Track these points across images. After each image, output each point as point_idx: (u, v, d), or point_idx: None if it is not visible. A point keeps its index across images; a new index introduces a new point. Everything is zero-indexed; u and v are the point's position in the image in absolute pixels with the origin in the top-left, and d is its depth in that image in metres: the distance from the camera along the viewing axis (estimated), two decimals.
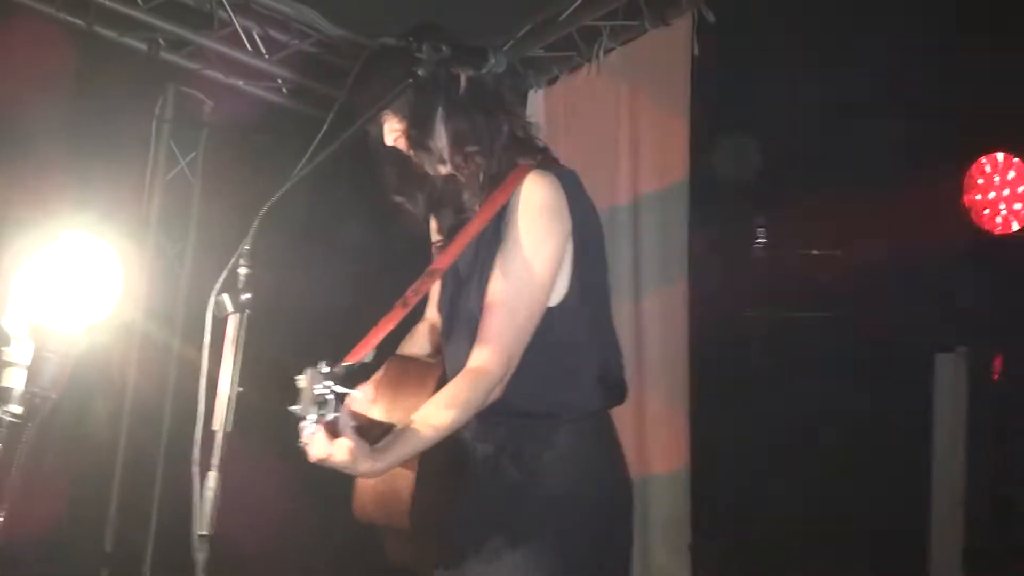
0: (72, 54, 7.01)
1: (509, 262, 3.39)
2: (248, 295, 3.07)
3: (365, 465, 3.09)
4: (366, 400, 3.24)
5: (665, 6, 6.98)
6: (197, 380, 3.04)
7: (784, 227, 6.27)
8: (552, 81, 7.59)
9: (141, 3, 7.08)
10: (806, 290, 6.07)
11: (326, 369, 3.00)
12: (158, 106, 7.68)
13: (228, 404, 3.05)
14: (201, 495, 3.02)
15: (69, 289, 3.32)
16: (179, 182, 7.64)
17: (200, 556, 2.99)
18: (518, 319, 3.36)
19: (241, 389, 3.05)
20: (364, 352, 3.23)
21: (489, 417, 3.41)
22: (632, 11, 7.07)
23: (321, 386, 2.99)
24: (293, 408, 3.07)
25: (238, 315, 3.07)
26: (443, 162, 3.54)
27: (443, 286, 3.65)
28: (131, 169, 7.23)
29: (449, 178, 3.58)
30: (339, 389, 3.01)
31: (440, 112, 3.51)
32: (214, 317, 3.08)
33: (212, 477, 2.99)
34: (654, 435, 6.50)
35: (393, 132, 3.56)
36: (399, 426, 3.24)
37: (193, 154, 7.74)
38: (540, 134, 3.68)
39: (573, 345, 3.51)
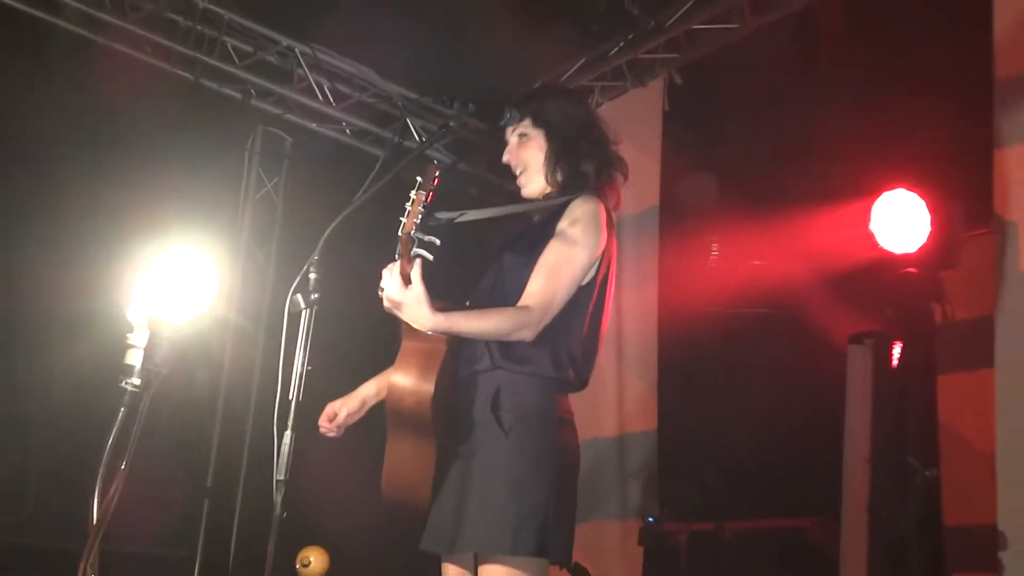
0: (183, 100, 7.02)
1: (561, 248, 3.35)
2: (316, 295, 3.08)
3: (424, 312, 3.03)
4: None
5: (643, 71, 7.00)
6: (277, 360, 3.06)
7: (731, 243, 6.24)
8: None
9: (237, 61, 7.10)
10: (749, 292, 6.04)
11: (424, 211, 3.00)
12: (249, 142, 7.66)
13: (300, 379, 3.06)
14: (279, 448, 3.04)
15: (176, 289, 3.36)
16: (265, 202, 7.62)
17: (278, 496, 3.00)
18: (560, 286, 3.30)
19: (310, 368, 3.06)
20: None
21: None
22: (617, 75, 7.12)
23: (418, 228, 2.99)
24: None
25: (308, 310, 3.08)
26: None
27: (485, 273, 3.59)
28: (228, 191, 7.22)
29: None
30: (427, 238, 3.00)
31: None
32: (290, 312, 3.09)
33: (287, 435, 3.00)
34: (630, 403, 6.51)
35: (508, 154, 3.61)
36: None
37: (276, 179, 7.72)
38: None
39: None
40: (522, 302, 3.26)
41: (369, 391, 3.66)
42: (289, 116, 7.51)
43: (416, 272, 3.01)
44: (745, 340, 5.91)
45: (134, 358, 3.16)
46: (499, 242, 3.56)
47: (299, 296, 3.08)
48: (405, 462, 3.31)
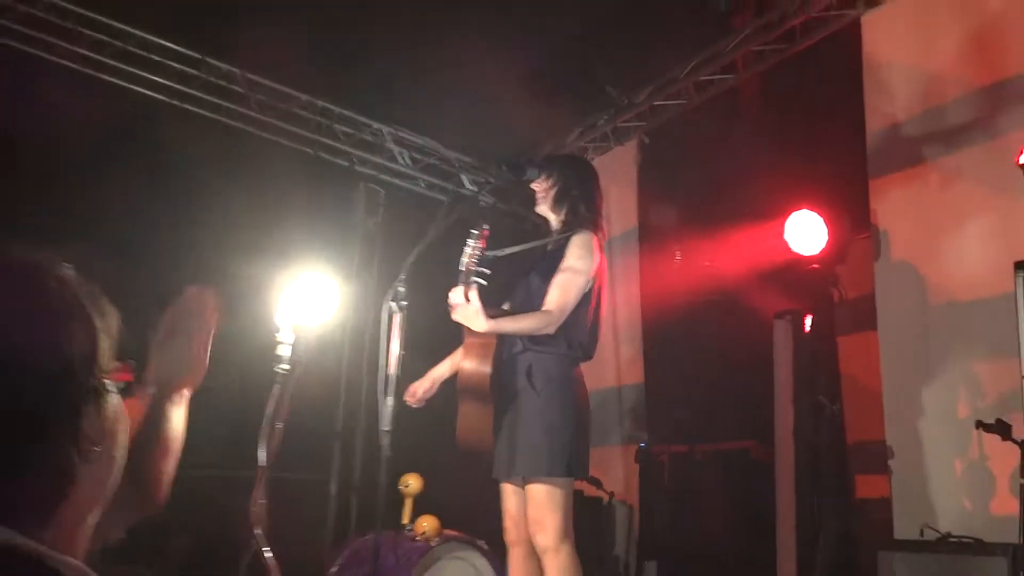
0: (307, 169, 7.05)
1: (570, 268, 3.40)
2: (404, 302, 3.08)
3: (480, 320, 3.14)
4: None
5: (621, 135, 6.99)
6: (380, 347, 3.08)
7: (690, 251, 6.20)
8: None
9: (342, 137, 7.13)
10: (703, 285, 6.01)
11: (479, 253, 3.07)
12: (355, 195, 7.66)
13: (397, 360, 3.07)
14: (382, 409, 3.04)
15: (309, 303, 3.36)
16: (368, 238, 7.62)
17: (384, 440, 3.01)
18: (570, 296, 3.35)
19: (403, 352, 3.07)
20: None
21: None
22: (604, 138, 7.11)
23: (475, 264, 3.06)
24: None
25: (399, 314, 3.08)
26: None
27: (517, 287, 3.62)
28: (341, 232, 7.23)
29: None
30: (481, 270, 3.07)
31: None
32: (387, 315, 3.10)
33: (389, 399, 3.01)
34: (624, 364, 6.50)
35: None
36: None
37: (375, 221, 7.72)
38: None
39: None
40: (544, 308, 3.33)
41: (439, 372, 3.69)
42: (382, 176, 7.50)
43: (473, 293, 3.09)
44: (702, 318, 5.90)
45: (283, 351, 3.17)
46: (526, 264, 3.60)
47: (393, 303, 3.10)
48: (473, 420, 3.36)
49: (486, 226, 3.09)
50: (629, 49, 6.45)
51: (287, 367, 3.11)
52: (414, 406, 3.63)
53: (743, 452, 5.51)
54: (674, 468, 5.86)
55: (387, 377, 2.98)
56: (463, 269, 3.10)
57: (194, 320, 1.84)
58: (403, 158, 7.46)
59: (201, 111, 6.56)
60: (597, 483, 5.69)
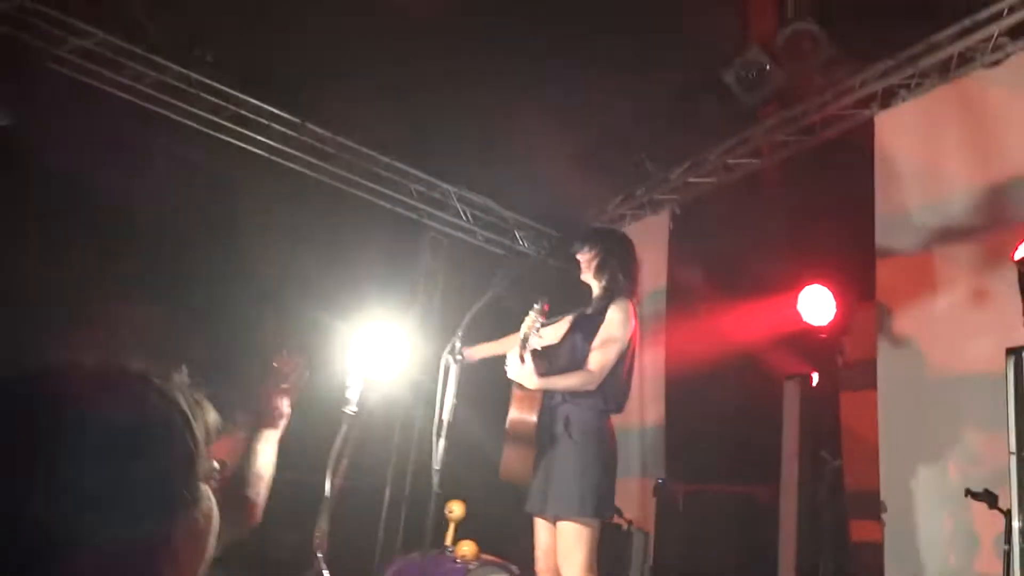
0: (380, 222, 7.09)
1: (610, 335, 3.37)
2: (460, 356, 3.05)
3: (533, 379, 3.13)
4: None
5: (656, 205, 6.94)
6: (436, 395, 3.04)
7: (713, 312, 6.10)
8: None
9: (415, 194, 7.17)
10: (723, 341, 5.89)
11: (538, 324, 3.05)
12: (422, 243, 7.70)
13: (451, 407, 3.03)
14: (435, 449, 3.01)
15: (376, 350, 3.31)
16: (432, 281, 7.63)
17: (435, 478, 2.96)
18: (609, 360, 3.31)
19: (455, 401, 3.03)
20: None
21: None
22: (641, 207, 7.05)
23: (534, 331, 3.05)
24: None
25: (456, 365, 3.05)
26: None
27: (563, 344, 3.58)
28: (407, 276, 7.26)
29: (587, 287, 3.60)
30: (537, 336, 3.07)
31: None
32: (443, 366, 3.08)
33: (441, 442, 2.97)
34: (648, 409, 6.39)
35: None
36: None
37: (438, 265, 7.74)
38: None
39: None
40: (587, 368, 3.29)
41: (486, 351, 3.57)
42: (445, 229, 7.52)
43: (528, 355, 3.07)
44: (720, 373, 5.75)
45: (351, 394, 3.14)
46: (570, 326, 3.56)
47: (450, 356, 3.07)
48: (516, 459, 3.33)
49: (545, 301, 3.09)
50: (667, 132, 6.45)
51: (355, 410, 3.06)
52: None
53: (750, 496, 5.36)
54: (688, 504, 5.72)
55: (440, 422, 2.94)
56: (523, 337, 3.11)
57: (282, 379, 1.92)
58: (465, 215, 7.47)
59: (299, 168, 6.64)
60: (618, 511, 5.58)
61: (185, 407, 0.99)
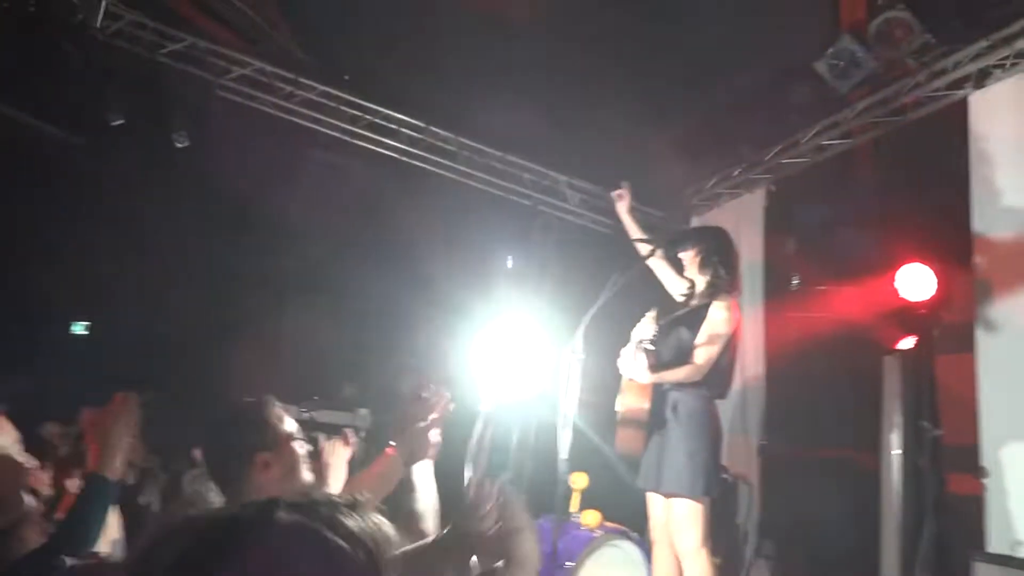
0: (504, 212, 7.09)
1: (715, 331, 3.30)
2: (582, 356, 3.04)
3: (646, 374, 3.12)
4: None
5: (752, 184, 6.66)
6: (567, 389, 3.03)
7: (808, 283, 5.82)
8: (701, 214, 7.27)
9: (528, 183, 7.14)
10: (820, 309, 5.60)
11: (652, 327, 3.04)
12: (535, 225, 7.63)
13: (577, 399, 3.03)
14: (560, 440, 3.01)
15: (502, 348, 3.17)
16: (543, 260, 7.57)
17: (562, 468, 2.97)
18: (714, 353, 3.26)
19: (581, 396, 3.02)
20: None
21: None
22: (737, 186, 6.79)
23: (650, 330, 3.04)
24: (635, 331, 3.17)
25: (577, 364, 3.04)
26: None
27: (669, 333, 3.51)
28: (522, 265, 7.19)
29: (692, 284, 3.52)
30: (651, 337, 3.05)
31: None
32: (566, 364, 3.06)
33: (568, 432, 2.98)
34: (749, 370, 6.20)
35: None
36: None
37: (549, 244, 7.66)
38: None
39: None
40: (693, 360, 3.23)
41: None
42: (556, 213, 7.46)
43: (641, 354, 3.05)
44: (818, 344, 5.46)
45: (484, 392, 3.09)
46: (676, 320, 3.49)
47: (571, 354, 3.06)
48: (630, 439, 3.33)
49: (656, 309, 3.06)
50: (761, 117, 6.17)
51: (489, 407, 3.07)
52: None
53: (849, 459, 5.13)
54: (791, 465, 5.55)
55: (565, 415, 2.96)
56: (639, 340, 3.08)
57: (431, 411, 1.93)
58: (573, 199, 7.39)
59: (424, 166, 6.74)
60: (725, 470, 5.50)
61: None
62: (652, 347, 3.11)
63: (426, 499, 1.85)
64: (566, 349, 3.08)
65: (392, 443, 2.05)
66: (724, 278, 3.47)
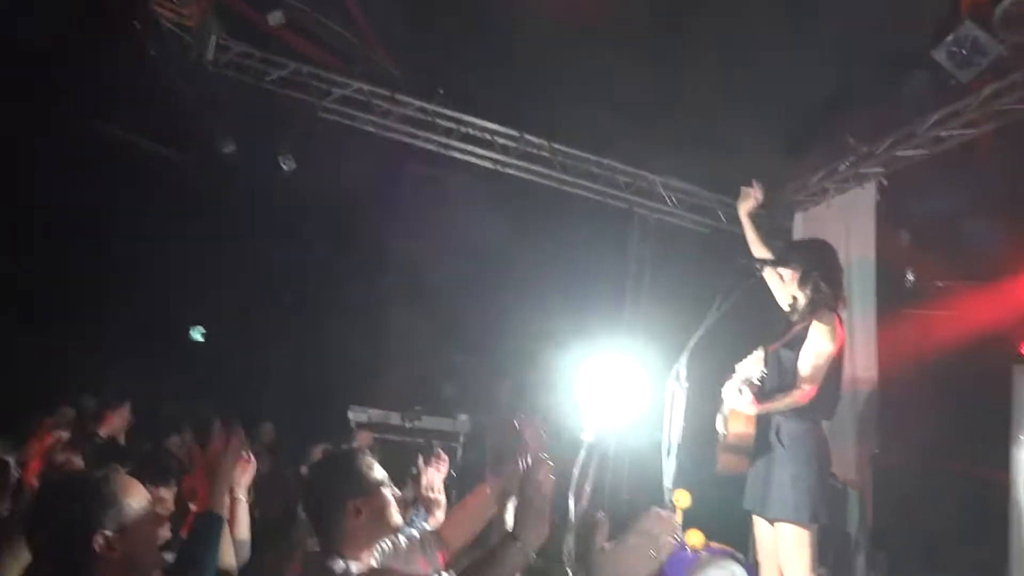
0: (595, 217, 7.03)
1: (816, 349, 3.19)
2: (687, 384, 2.98)
3: (751, 407, 3.06)
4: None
5: (862, 178, 6.34)
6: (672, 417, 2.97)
7: (925, 279, 5.47)
8: (806, 210, 7.00)
9: (623, 186, 7.07)
10: (937, 305, 5.28)
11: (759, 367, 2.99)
12: (631, 224, 7.55)
13: (680, 426, 2.99)
14: (665, 468, 2.97)
15: (607, 377, 3.13)
16: (640, 261, 7.48)
17: (667, 496, 2.93)
18: (819, 377, 3.17)
19: (684, 424, 2.97)
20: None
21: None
22: (845, 180, 6.47)
23: (757, 369, 2.99)
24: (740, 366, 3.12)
25: (682, 392, 2.99)
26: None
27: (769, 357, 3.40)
28: (618, 263, 7.11)
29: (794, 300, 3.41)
30: (758, 376, 2.99)
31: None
32: (671, 393, 3.00)
33: (673, 459, 2.94)
34: (861, 374, 5.92)
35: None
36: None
37: (645, 246, 7.59)
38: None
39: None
40: (799, 385, 3.14)
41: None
42: (653, 215, 7.36)
43: (747, 389, 2.99)
44: (945, 350, 5.15)
45: (586, 422, 3.06)
46: (776, 340, 3.39)
47: (676, 382, 3.01)
48: (732, 461, 3.25)
49: (763, 348, 3.00)
50: (869, 108, 5.87)
51: (592, 438, 3.05)
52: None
53: (973, 472, 4.83)
54: (907, 475, 5.29)
55: (669, 443, 2.92)
56: (744, 378, 3.03)
57: (523, 448, 1.97)
58: (670, 200, 7.27)
59: (519, 174, 6.78)
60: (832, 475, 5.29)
61: None
62: (759, 383, 3.05)
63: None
64: (670, 377, 3.03)
65: (488, 477, 2.14)
66: (825, 293, 3.34)
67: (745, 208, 3.86)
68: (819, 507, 3.16)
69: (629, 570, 1.56)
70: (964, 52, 4.54)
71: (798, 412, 3.21)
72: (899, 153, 5.89)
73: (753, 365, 3.02)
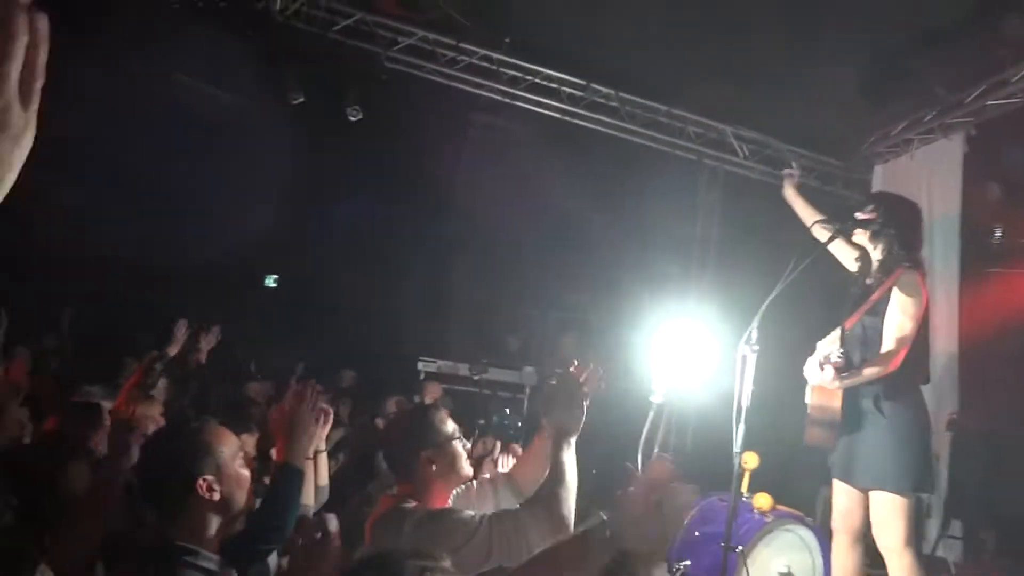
0: (664, 169, 6.87)
1: (903, 315, 3.07)
2: (757, 347, 2.91)
3: (834, 382, 2.99)
4: None
5: (948, 129, 6.01)
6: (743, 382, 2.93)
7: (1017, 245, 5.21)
8: (886, 162, 6.70)
9: (693, 137, 6.87)
10: None
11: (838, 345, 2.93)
12: (699, 175, 7.39)
13: (749, 393, 2.92)
14: (735, 434, 2.92)
15: (676, 342, 3.12)
16: (709, 213, 7.33)
17: (736, 461, 2.88)
18: (906, 340, 3.04)
19: (753, 388, 2.90)
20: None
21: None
22: (930, 130, 6.14)
23: (835, 349, 2.93)
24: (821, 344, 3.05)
25: (752, 356, 2.93)
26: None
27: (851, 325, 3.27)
28: (688, 222, 6.96)
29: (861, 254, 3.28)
30: (836, 355, 2.92)
31: None
32: (741, 357, 2.93)
33: (741, 426, 2.89)
34: (940, 337, 5.69)
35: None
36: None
37: (716, 196, 7.41)
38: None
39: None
40: (884, 349, 3.02)
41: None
42: (724, 167, 7.15)
43: (829, 364, 2.93)
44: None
45: (656, 385, 3.05)
46: (851, 304, 3.24)
47: (747, 346, 2.93)
48: (820, 433, 3.17)
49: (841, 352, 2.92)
50: (961, 53, 5.51)
51: (661, 399, 3.03)
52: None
53: None
54: (986, 442, 5.11)
55: (739, 408, 2.87)
56: (823, 359, 2.96)
57: (577, 388, 2.02)
58: (742, 150, 7.03)
59: (586, 124, 6.65)
60: None
61: None
62: (840, 359, 2.95)
63: (572, 481, 1.97)
64: (741, 341, 2.95)
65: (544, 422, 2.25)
66: (897, 254, 3.15)
67: (790, 189, 3.67)
68: (924, 477, 3.08)
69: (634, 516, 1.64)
70: None
71: (892, 379, 3.08)
72: (990, 102, 5.55)
73: (831, 344, 2.95)
